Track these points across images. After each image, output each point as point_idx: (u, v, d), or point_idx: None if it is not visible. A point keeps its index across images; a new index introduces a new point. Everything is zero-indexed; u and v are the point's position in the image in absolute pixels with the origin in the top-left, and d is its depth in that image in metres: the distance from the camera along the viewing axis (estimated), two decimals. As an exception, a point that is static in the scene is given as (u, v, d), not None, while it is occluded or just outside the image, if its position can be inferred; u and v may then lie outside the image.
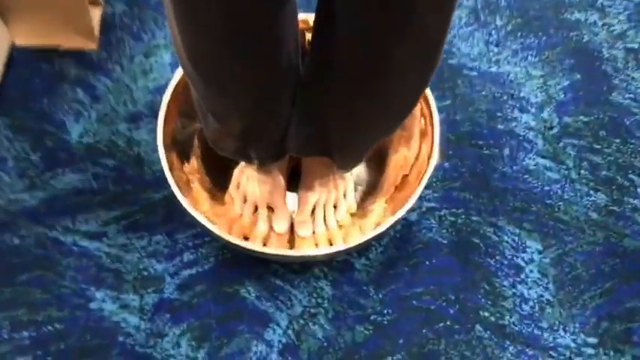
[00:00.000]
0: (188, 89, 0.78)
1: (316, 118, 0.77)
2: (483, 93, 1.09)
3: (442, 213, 0.98)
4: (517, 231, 0.97)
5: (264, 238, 0.91)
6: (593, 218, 0.99)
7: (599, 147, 1.05)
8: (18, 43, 1.08)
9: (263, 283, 0.93)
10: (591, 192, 1.01)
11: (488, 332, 0.90)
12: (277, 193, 0.91)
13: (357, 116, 0.74)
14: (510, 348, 0.90)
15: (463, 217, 0.98)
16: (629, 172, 1.03)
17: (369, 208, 0.94)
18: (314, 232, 0.92)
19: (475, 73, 1.11)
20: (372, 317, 0.91)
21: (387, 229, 0.83)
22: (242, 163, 0.92)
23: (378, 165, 0.97)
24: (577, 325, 0.91)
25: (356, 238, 0.84)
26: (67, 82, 1.06)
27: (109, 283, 0.91)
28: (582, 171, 1.03)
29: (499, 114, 1.07)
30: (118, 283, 0.91)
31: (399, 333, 0.90)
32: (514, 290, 0.93)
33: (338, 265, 0.94)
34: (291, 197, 0.95)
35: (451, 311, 0.92)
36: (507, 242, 0.97)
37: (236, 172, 0.94)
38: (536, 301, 0.93)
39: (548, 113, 1.08)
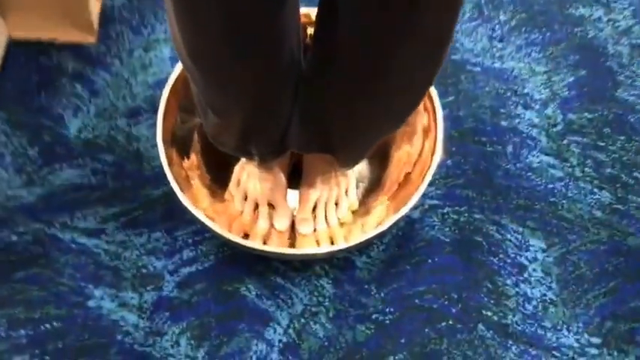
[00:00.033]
0: (188, 84, 0.78)
1: (317, 116, 0.76)
2: (487, 89, 1.08)
3: (445, 211, 0.97)
4: (520, 229, 0.97)
5: (264, 236, 0.90)
6: (597, 216, 0.98)
7: (603, 144, 1.04)
8: (15, 36, 1.07)
9: (263, 281, 0.92)
10: (595, 190, 1.00)
11: (490, 332, 0.90)
12: (278, 190, 0.90)
13: (357, 115, 0.73)
14: (513, 348, 0.89)
15: (466, 215, 0.97)
16: (634, 170, 1.02)
17: (371, 206, 0.93)
18: (315, 230, 0.91)
19: (478, 69, 1.09)
20: (373, 316, 0.90)
21: (390, 227, 0.82)
22: (243, 160, 0.92)
23: (380, 162, 0.96)
24: (580, 324, 0.91)
25: (358, 236, 0.84)
26: (66, 76, 1.05)
27: (108, 280, 0.90)
28: (586, 169, 1.02)
29: (502, 110, 1.06)
30: (117, 280, 0.91)
31: (401, 332, 0.89)
32: (517, 289, 0.92)
33: (339, 263, 0.94)
34: (292, 194, 0.94)
35: (453, 310, 0.91)
36: (510, 240, 0.96)
37: (237, 168, 0.93)
38: (539, 300, 0.92)
39: (552, 110, 1.07)
